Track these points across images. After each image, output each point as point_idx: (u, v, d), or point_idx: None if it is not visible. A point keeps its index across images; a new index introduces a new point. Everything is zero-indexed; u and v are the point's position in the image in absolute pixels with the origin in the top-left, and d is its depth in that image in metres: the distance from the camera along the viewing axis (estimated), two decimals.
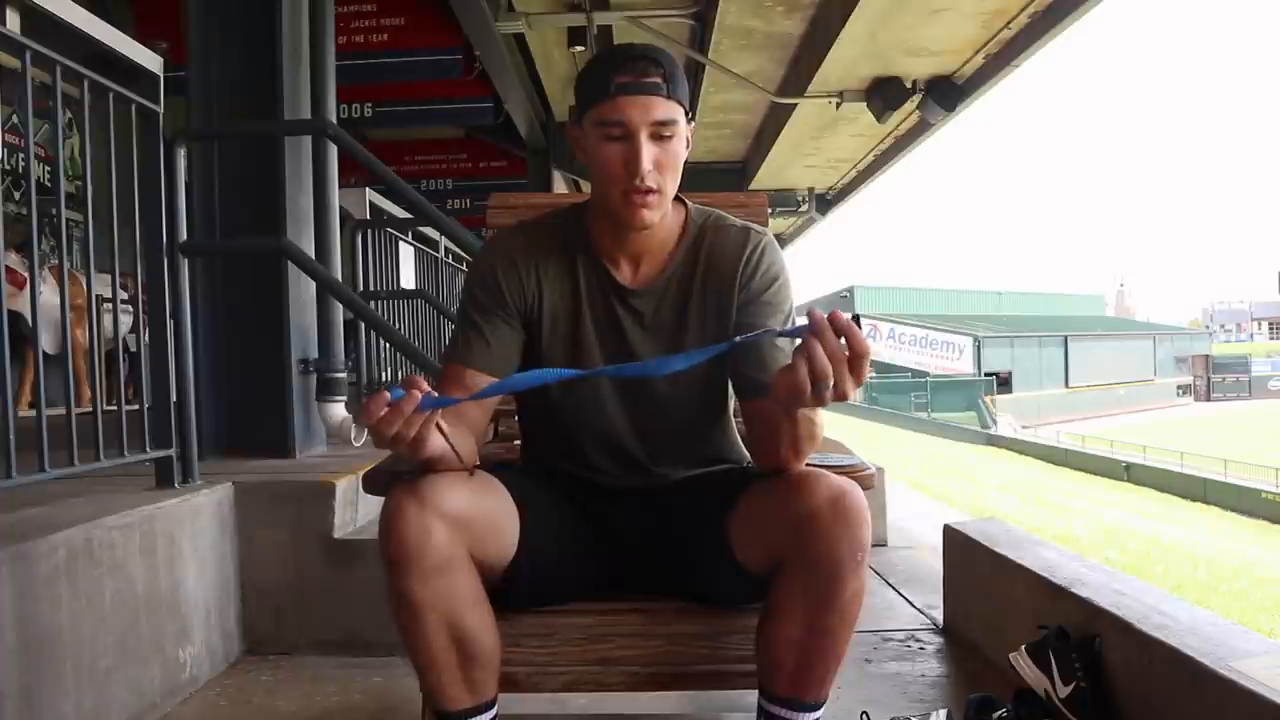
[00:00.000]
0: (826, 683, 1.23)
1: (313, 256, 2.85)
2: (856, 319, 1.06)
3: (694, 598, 1.38)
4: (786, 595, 1.20)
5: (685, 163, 1.31)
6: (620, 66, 1.24)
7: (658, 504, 1.40)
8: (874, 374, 40.93)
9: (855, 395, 1.09)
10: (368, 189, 6.96)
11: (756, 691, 1.26)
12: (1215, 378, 49.83)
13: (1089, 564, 2.01)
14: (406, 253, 4.70)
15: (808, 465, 1.29)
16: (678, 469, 1.42)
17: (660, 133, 1.24)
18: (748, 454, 1.44)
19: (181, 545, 2.04)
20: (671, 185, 1.29)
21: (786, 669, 1.21)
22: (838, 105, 7.37)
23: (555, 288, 1.37)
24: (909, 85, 7.08)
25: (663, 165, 1.26)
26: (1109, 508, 18.07)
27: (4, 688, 1.47)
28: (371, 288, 4.07)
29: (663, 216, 1.31)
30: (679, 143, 1.27)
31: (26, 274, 3.32)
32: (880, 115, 7.24)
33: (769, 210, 1.74)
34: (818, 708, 1.23)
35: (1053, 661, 1.69)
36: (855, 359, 1.04)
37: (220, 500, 2.23)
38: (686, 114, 1.29)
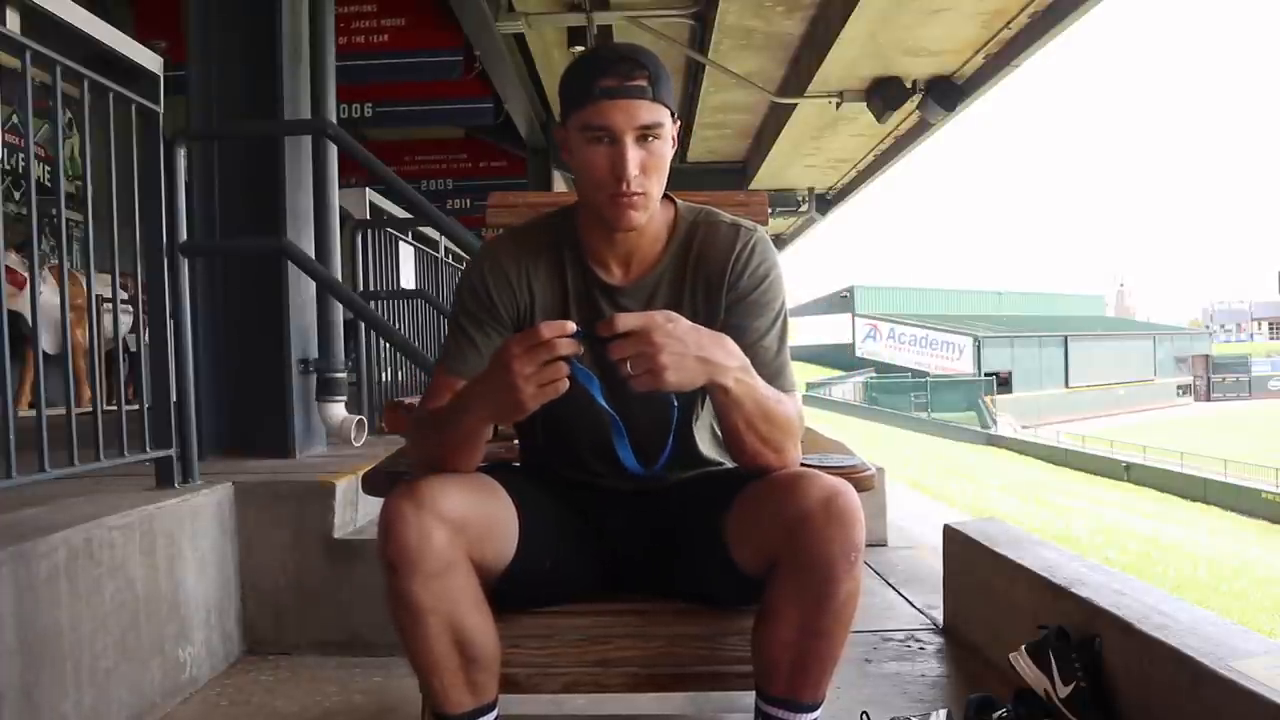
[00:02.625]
0: (823, 684, 1.22)
1: (313, 256, 2.86)
2: None
3: (692, 599, 1.38)
4: (781, 596, 1.20)
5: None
6: (604, 69, 1.23)
7: (655, 505, 1.40)
8: (874, 374, 41.00)
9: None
10: (368, 189, 6.96)
11: (755, 695, 1.26)
12: (1215, 378, 49.79)
13: (1089, 564, 2.01)
14: (406, 253, 4.69)
15: (804, 465, 1.29)
16: (673, 471, 1.42)
17: (646, 136, 1.24)
18: None
19: (181, 545, 2.04)
20: (658, 187, 1.28)
21: (782, 670, 1.21)
22: (838, 105, 7.36)
23: (547, 291, 1.37)
24: (909, 85, 7.08)
25: (648, 168, 1.25)
26: (1109, 508, 18.07)
27: (4, 688, 1.47)
28: (371, 288, 4.07)
29: (650, 217, 1.31)
30: (664, 145, 1.27)
31: (26, 274, 3.33)
32: (880, 115, 7.24)
33: (769, 210, 1.73)
34: (815, 708, 1.22)
35: (1053, 661, 1.69)
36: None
37: (220, 500, 2.23)
38: (673, 114, 1.28)
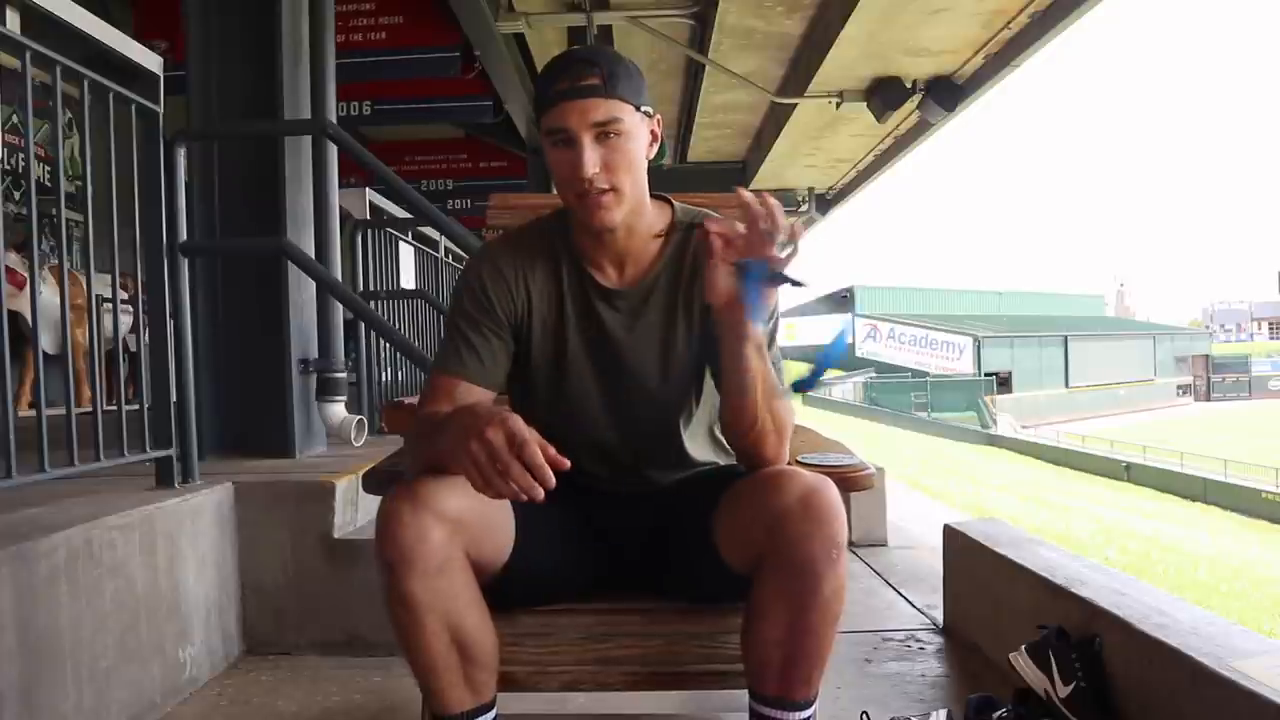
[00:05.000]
0: (813, 681, 1.22)
1: (313, 256, 2.86)
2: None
3: (686, 597, 1.39)
4: (766, 595, 1.20)
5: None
6: (559, 74, 1.26)
7: (650, 506, 1.40)
8: (874, 374, 40.99)
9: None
10: (368, 189, 6.96)
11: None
12: (1215, 378, 49.78)
13: (1089, 564, 2.02)
14: (406, 253, 4.69)
15: (803, 463, 1.29)
16: (668, 473, 1.42)
17: (604, 133, 1.24)
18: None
19: (181, 545, 2.04)
20: (628, 183, 1.28)
21: (772, 669, 1.21)
22: (838, 105, 7.36)
23: (543, 294, 1.37)
24: (909, 85, 7.08)
25: (612, 165, 1.25)
26: (1109, 508, 18.05)
27: (4, 688, 1.47)
28: (371, 288, 4.06)
29: (630, 215, 1.31)
30: (629, 140, 1.26)
31: (26, 274, 3.32)
32: (880, 115, 7.24)
33: None
34: (807, 706, 1.22)
35: (1053, 661, 1.69)
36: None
37: (220, 500, 2.23)
38: (639, 108, 1.27)
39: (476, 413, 1.10)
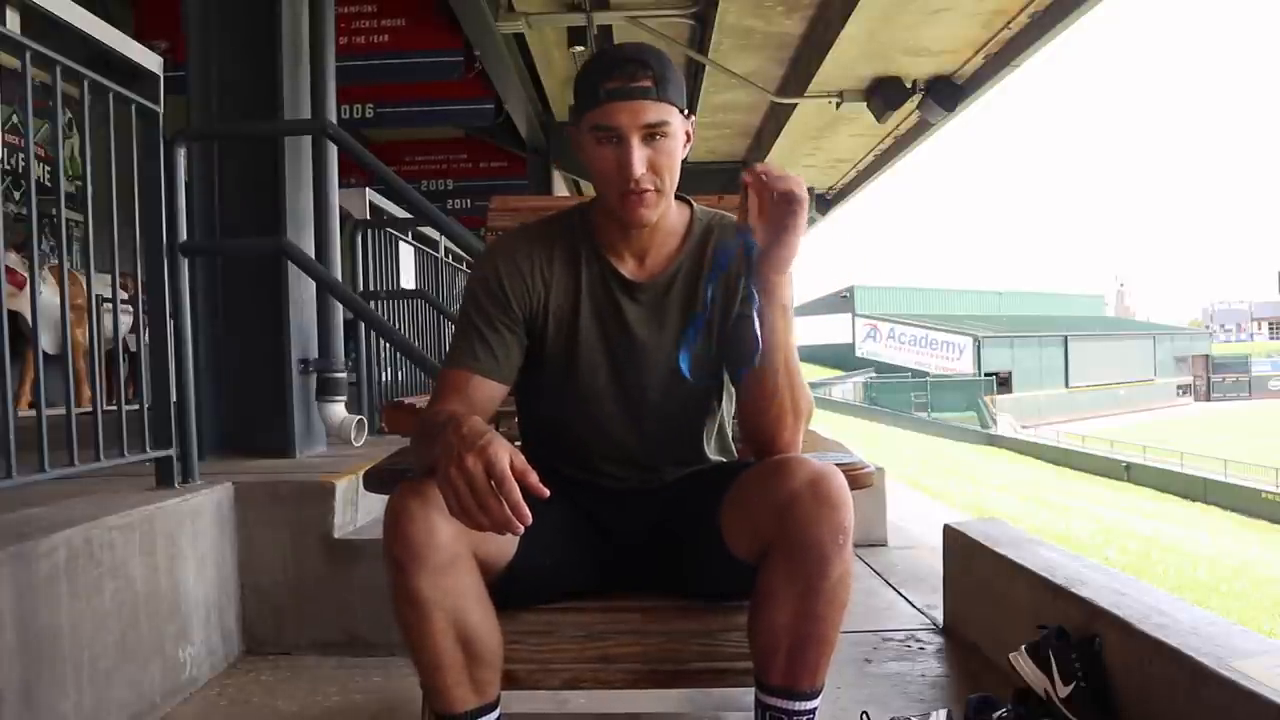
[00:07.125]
0: (820, 670, 1.22)
1: (313, 256, 2.86)
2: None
3: (691, 593, 1.39)
4: (774, 580, 1.20)
5: (686, 162, 1.33)
6: (610, 71, 1.26)
7: (658, 502, 1.41)
8: (874, 374, 40.98)
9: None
10: (368, 189, 6.96)
11: (754, 688, 1.26)
12: (1215, 378, 49.82)
13: (1089, 564, 2.02)
14: (406, 253, 4.69)
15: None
16: (677, 469, 1.43)
17: (652, 134, 1.26)
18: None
19: (181, 545, 2.04)
20: (669, 182, 1.31)
21: (779, 657, 1.21)
22: (838, 105, 7.36)
23: (561, 286, 1.38)
24: (909, 85, 7.08)
25: (657, 165, 1.28)
26: (1109, 508, 18.05)
27: (4, 688, 1.47)
28: (371, 288, 4.07)
29: (664, 212, 1.34)
30: (673, 141, 1.29)
31: (26, 274, 3.32)
32: (880, 115, 7.24)
33: None
34: (814, 696, 1.22)
35: (1053, 661, 1.69)
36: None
37: (220, 500, 2.23)
38: (682, 110, 1.30)
39: (462, 433, 1.08)
